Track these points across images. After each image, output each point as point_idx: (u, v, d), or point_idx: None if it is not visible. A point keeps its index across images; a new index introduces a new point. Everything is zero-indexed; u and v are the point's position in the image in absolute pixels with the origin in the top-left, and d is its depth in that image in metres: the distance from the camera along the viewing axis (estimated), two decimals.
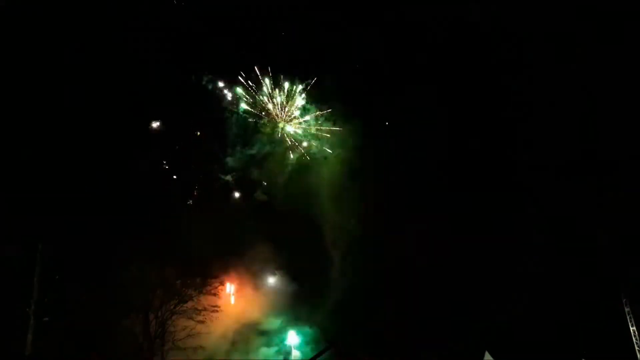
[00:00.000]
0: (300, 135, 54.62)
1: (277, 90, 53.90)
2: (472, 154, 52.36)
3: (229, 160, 52.85)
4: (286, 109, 54.17)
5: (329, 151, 54.33)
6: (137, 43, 46.18)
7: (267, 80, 53.49)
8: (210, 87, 52.10)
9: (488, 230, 49.31)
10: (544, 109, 50.04)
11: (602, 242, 46.01)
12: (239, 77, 52.95)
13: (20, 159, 39.67)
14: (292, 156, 54.33)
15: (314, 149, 54.53)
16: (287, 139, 54.51)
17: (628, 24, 44.96)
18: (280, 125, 54.15)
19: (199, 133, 52.23)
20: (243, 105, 53.61)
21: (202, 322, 43.40)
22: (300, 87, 53.90)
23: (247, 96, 53.45)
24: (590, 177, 47.77)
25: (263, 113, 54.03)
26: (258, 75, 53.08)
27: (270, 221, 51.70)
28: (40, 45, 41.97)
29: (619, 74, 45.99)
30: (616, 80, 46.21)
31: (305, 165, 54.39)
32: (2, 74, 39.68)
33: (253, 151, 53.36)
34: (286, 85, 53.84)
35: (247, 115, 53.58)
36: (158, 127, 49.85)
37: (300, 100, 54.26)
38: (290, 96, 54.18)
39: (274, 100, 53.83)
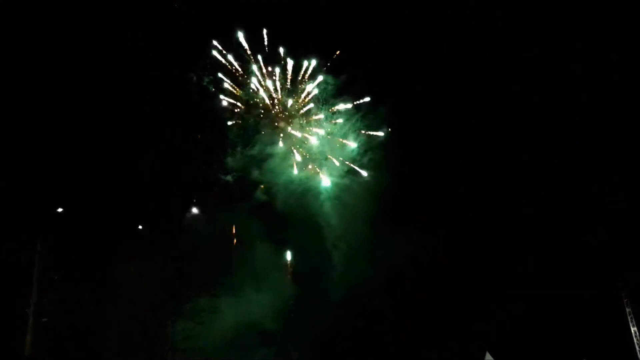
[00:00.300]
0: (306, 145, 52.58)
1: (276, 72, 50.24)
2: (473, 154, 52.43)
3: (229, 160, 52.53)
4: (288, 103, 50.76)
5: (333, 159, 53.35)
6: (137, 43, 46.15)
7: (259, 57, 49.78)
8: (211, 87, 51.68)
9: (488, 230, 49.35)
10: (544, 109, 50.15)
11: (602, 242, 46.02)
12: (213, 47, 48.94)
13: (20, 159, 39.61)
14: (295, 170, 52.87)
15: (314, 149, 53.51)
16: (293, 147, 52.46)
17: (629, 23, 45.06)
18: (282, 125, 52.34)
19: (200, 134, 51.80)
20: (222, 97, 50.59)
21: (201, 323, 43.23)
22: (314, 62, 49.61)
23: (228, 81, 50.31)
24: (590, 176, 47.83)
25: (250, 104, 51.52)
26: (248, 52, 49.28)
27: (270, 221, 51.69)
28: (40, 44, 41.94)
29: (619, 73, 46.13)
30: (616, 80, 46.33)
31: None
32: (1, 73, 39.65)
33: (254, 152, 52.53)
34: (289, 64, 50.12)
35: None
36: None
37: (311, 87, 50.16)
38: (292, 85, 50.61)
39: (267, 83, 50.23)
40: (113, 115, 45.36)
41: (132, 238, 41.35)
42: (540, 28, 48.96)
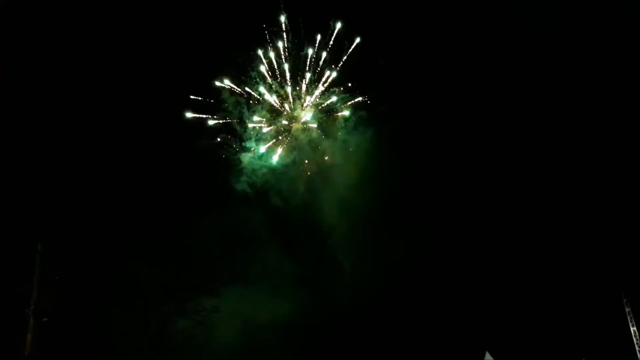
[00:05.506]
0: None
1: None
2: (473, 154, 52.52)
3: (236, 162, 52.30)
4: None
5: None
6: (144, 43, 46.24)
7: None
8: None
9: (488, 229, 49.42)
10: (544, 111, 50.29)
11: (602, 242, 46.08)
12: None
13: (21, 158, 39.71)
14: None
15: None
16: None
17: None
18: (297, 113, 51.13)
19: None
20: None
21: (201, 322, 43.26)
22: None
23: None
24: (589, 176, 47.90)
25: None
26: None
27: (274, 223, 51.77)
28: (43, 44, 42.13)
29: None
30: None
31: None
32: (3, 73, 39.75)
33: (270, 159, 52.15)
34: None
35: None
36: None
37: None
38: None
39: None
40: (115, 114, 45.46)
41: (132, 237, 41.34)
42: None
